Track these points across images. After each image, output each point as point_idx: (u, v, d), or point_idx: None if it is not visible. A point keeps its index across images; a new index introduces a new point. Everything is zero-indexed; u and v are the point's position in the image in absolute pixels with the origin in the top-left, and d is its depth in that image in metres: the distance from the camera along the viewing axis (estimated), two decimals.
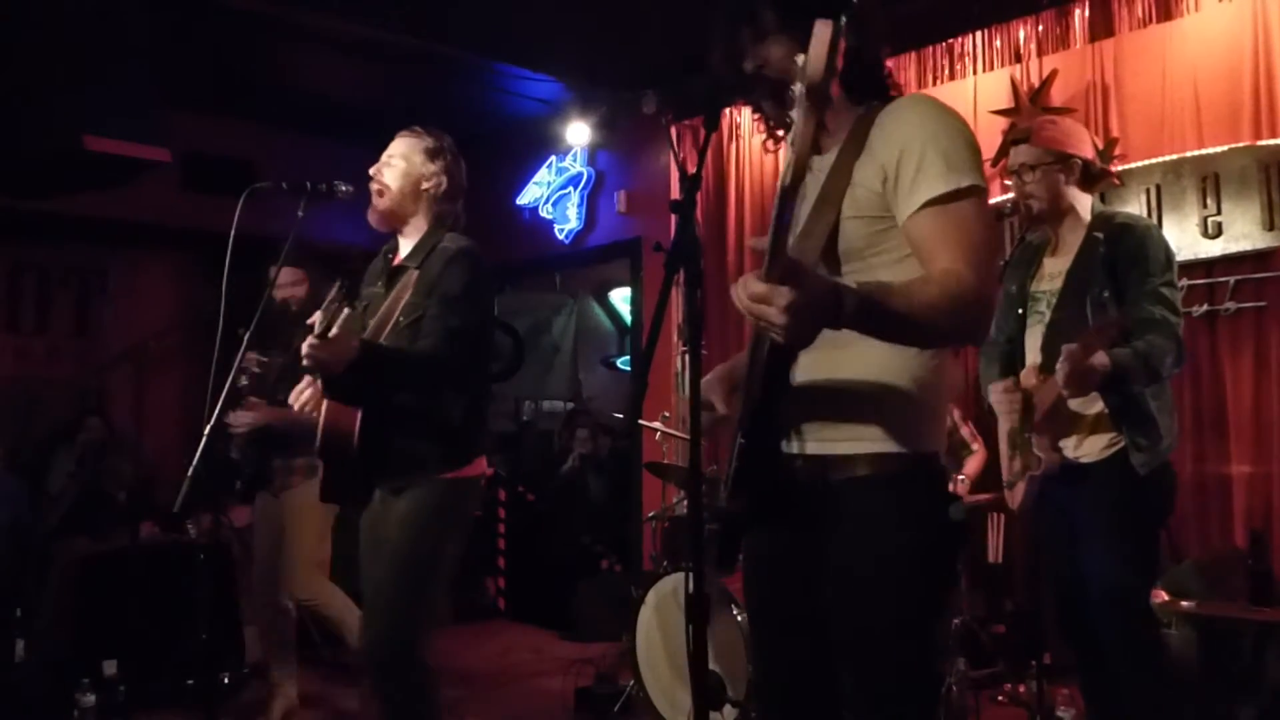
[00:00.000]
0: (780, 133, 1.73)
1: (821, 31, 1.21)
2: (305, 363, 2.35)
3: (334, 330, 2.29)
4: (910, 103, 1.60)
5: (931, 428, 1.62)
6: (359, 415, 2.47)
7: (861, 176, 1.56)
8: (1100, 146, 2.84)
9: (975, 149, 1.54)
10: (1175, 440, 2.69)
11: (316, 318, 2.30)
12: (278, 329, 3.49)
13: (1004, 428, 2.84)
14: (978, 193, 1.51)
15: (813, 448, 1.62)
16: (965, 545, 3.67)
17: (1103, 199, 3.03)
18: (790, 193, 1.28)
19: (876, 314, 1.38)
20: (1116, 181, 3.04)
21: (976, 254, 1.47)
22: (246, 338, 2.48)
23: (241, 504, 3.87)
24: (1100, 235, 2.66)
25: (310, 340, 2.31)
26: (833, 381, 1.60)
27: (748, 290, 1.28)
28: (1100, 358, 2.48)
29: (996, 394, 2.86)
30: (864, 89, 1.65)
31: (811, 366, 1.60)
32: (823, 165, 1.63)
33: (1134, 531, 2.59)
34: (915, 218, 1.50)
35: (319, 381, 2.47)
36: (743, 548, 1.73)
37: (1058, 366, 2.52)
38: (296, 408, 2.52)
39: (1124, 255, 2.61)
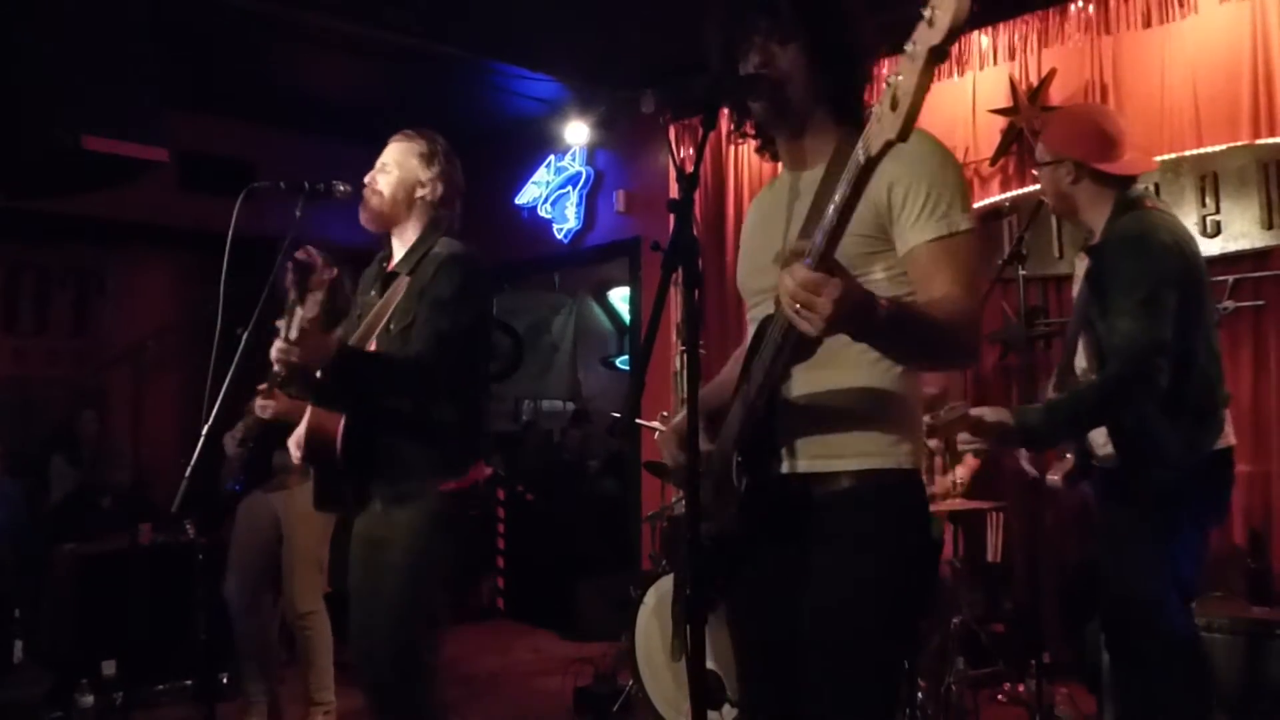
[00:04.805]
0: (765, 138, 1.76)
1: None
2: (276, 367, 2.32)
3: (293, 332, 2.26)
4: (911, 138, 1.59)
5: (911, 444, 1.65)
6: (342, 421, 2.42)
7: None
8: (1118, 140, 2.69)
9: (968, 189, 1.63)
10: (1189, 452, 2.48)
11: (282, 321, 2.29)
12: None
13: None
14: (973, 233, 1.59)
15: (797, 465, 1.63)
16: (936, 567, 3.64)
17: None
18: (868, 169, 1.27)
19: (903, 327, 1.43)
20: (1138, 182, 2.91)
21: (972, 282, 1.56)
22: (245, 337, 2.45)
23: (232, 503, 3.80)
24: (1097, 246, 2.63)
25: (278, 343, 2.28)
26: (816, 401, 1.62)
27: (797, 276, 1.30)
28: (998, 415, 2.41)
29: None
30: (848, 110, 1.67)
31: (795, 386, 1.62)
32: (809, 182, 1.64)
33: (1146, 541, 2.51)
34: (917, 249, 1.57)
35: (285, 388, 2.45)
36: (726, 581, 1.72)
37: None
38: (263, 416, 2.50)
39: (1103, 272, 2.53)
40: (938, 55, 1.14)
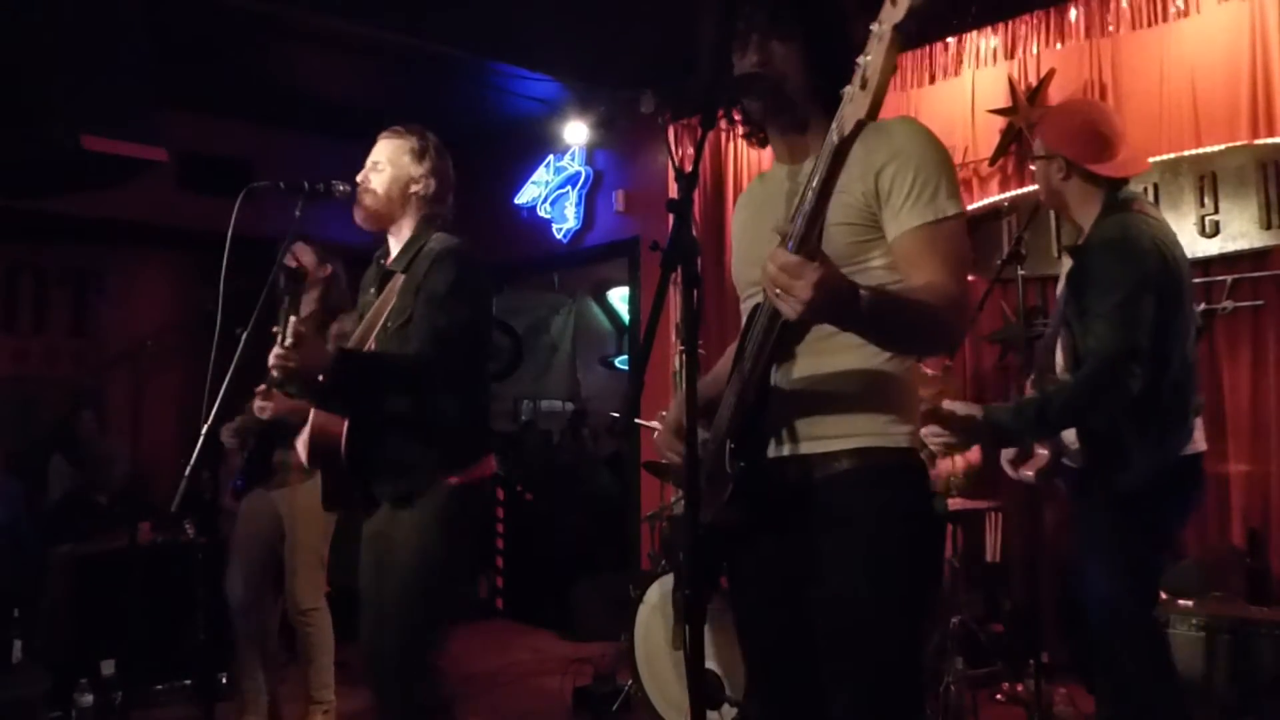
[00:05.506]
0: (761, 135, 1.78)
1: None
2: (274, 374, 2.31)
3: (288, 336, 2.25)
4: (899, 125, 1.63)
5: (909, 425, 1.66)
6: (345, 423, 2.41)
7: (848, 185, 1.57)
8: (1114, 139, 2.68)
9: (955, 174, 1.63)
10: (1155, 458, 2.47)
11: (278, 327, 2.28)
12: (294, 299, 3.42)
13: None
14: (962, 218, 1.60)
15: (799, 448, 1.64)
16: (943, 542, 3.65)
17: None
18: (842, 150, 1.28)
19: (886, 314, 1.44)
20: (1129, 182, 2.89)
21: (959, 268, 1.57)
22: (245, 337, 2.45)
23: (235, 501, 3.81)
24: (1079, 247, 2.63)
25: (277, 350, 2.27)
26: (811, 385, 1.63)
27: (778, 261, 1.32)
28: (968, 409, 2.44)
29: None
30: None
31: (789, 371, 1.63)
32: (802, 175, 1.64)
33: (1109, 541, 2.52)
34: (905, 235, 1.58)
35: (283, 388, 2.43)
36: (726, 569, 1.73)
37: None
38: (261, 417, 2.48)
39: (1083, 274, 2.54)
40: (902, 32, 1.18)
